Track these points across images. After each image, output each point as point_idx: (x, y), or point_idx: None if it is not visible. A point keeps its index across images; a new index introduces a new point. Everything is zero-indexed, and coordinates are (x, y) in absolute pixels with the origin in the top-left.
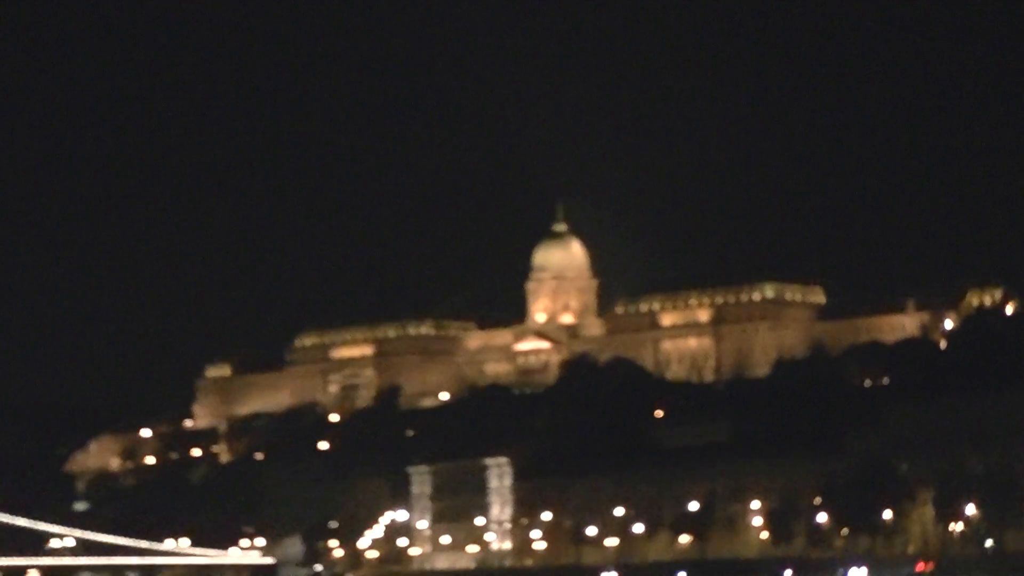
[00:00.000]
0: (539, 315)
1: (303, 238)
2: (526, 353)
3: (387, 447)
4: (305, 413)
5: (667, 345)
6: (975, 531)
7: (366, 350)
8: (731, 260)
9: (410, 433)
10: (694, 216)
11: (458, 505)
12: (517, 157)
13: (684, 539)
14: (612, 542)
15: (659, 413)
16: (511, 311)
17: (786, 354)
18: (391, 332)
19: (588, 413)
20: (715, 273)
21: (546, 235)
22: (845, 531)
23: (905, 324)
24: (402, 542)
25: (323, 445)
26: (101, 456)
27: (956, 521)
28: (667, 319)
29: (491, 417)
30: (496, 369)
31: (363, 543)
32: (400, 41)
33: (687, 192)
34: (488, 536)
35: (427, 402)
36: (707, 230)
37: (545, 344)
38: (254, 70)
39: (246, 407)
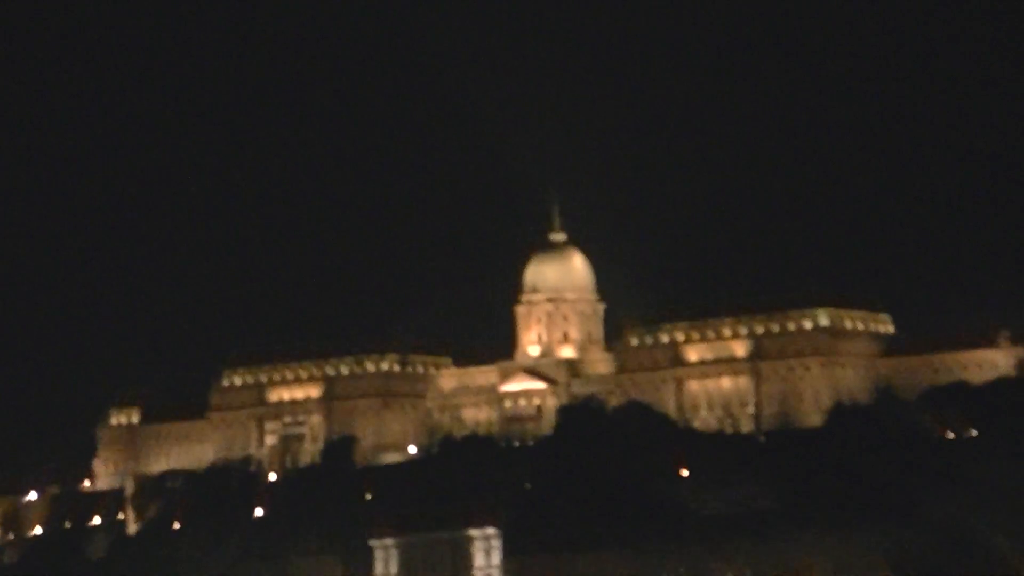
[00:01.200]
0: (531, 347)
1: (233, 249)
2: (515, 395)
3: (341, 514)
4: (234, 471)
5: (694, 386)
6: None
7: (312, 391)
8: (774, 279)
9: (369, 496)
10: (725, 224)
11: None
12: (502, 150)
13: None
14: None
15: (684, 472)
16: (495, 343)
17: (845, 398)
18: (344, 368)
19: (594, 471)
20: (754, 296)
21: (539, 246)
22: None
23: (996, 361)
24: None
25: (257, 511)
26: None
27: None
28: (693, 353)
29: (473, 476)
30: (477, 415)
31: None
32: (367, 25)
33: (717, 192)
34: None
35: (390, 457)
36: (743, 242)
37: (539, 384)
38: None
39: (159, 463)
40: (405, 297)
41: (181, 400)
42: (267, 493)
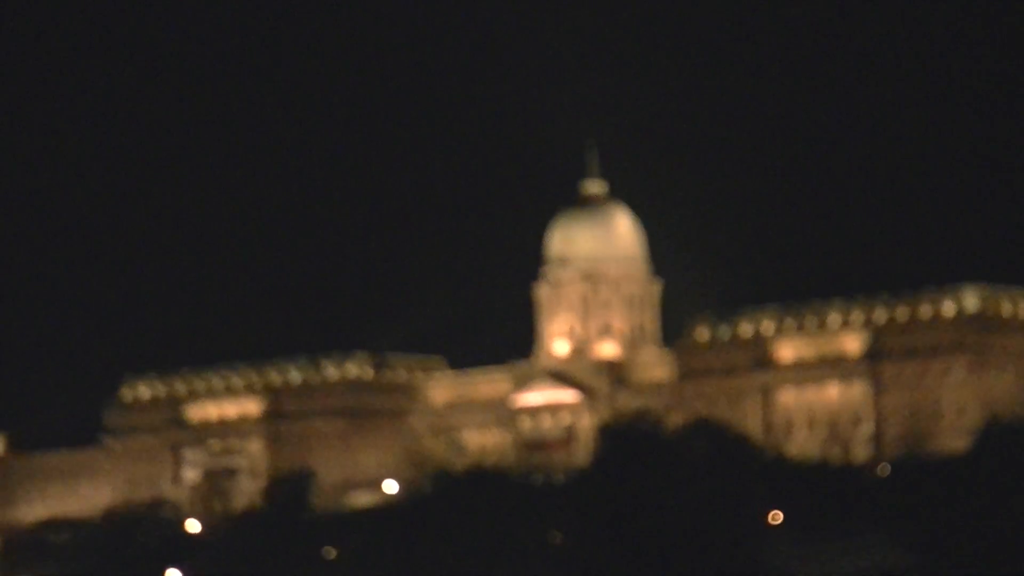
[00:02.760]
0: (558, 344)
1: (135, 218)
2: (536, 411)
3: None
4: (141, 519)
5: (787, 397)
6: None
7: (250, 407)
8: (900, 250)
9: (332, 554)
10: (828, 174)
11: None
12: (512, 73)
13: None
14: None
15: (776, 518)
16: (508, 338)
17: (1001, 412)
18: (294, 376)
19: (647, 518)
20: (872, 272)
21: (569, 201)
22: None
23: None
24: None
25: (172, 573)
26: None
27: None
28: (787, 351)
29: (478, 525)
30: (483, 440)
31: None
32: None
33: (817, 130)
34: None
35: (361, 499)
36: (853, 199)
37: (569, 395)
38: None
39: (35, 509)
40: (381, 278)
41: (66, 422)
42: (187, 550)
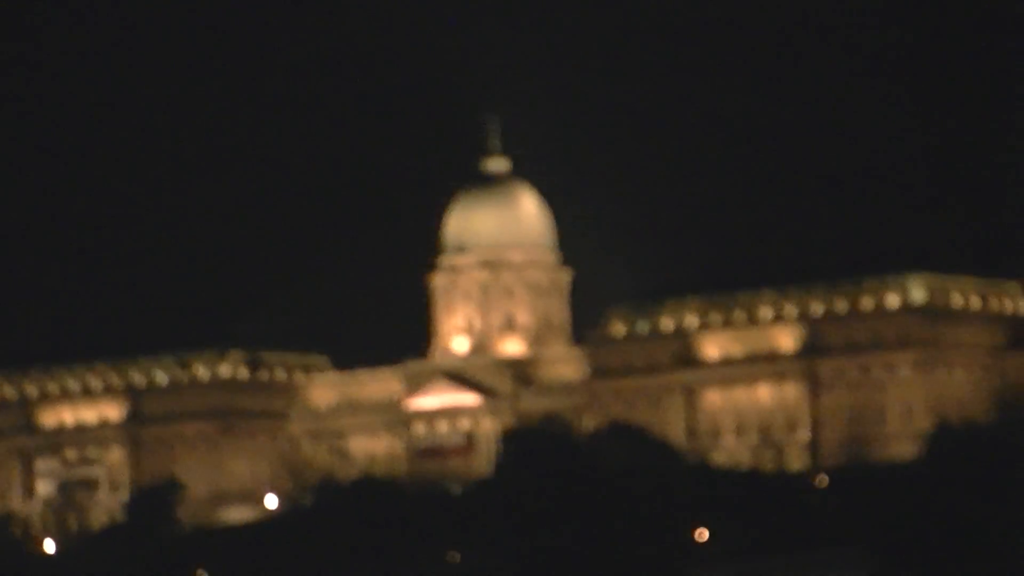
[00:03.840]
0: (456, 340)
1: None
2: (431, 415)
3: None
4: None
5: (714, 398)
6: None
7: (109, 410)
8: (838, 234)
9: (200, 574)
10: (756, 149)
11: None
12: (401, 35)
13: None
14: None
15: (701, 535)
16: (399, 334)
17: (952, 415)
18: (159, 375)
19: (557, 533)
20: (807, 262)
21: (468, 179)
22: None
23: None
24: None
25: None
26: None
27: None
28: (713, 346)
29: (365, 543)
30: (371, 447)
31: None
32: None
33: (741, 102)
34: None
35: (234, 513)
36: (784, 178)
37: (469, 397)
38: None
39: None
40: (257, 267)
41: None
42: (40, 571)
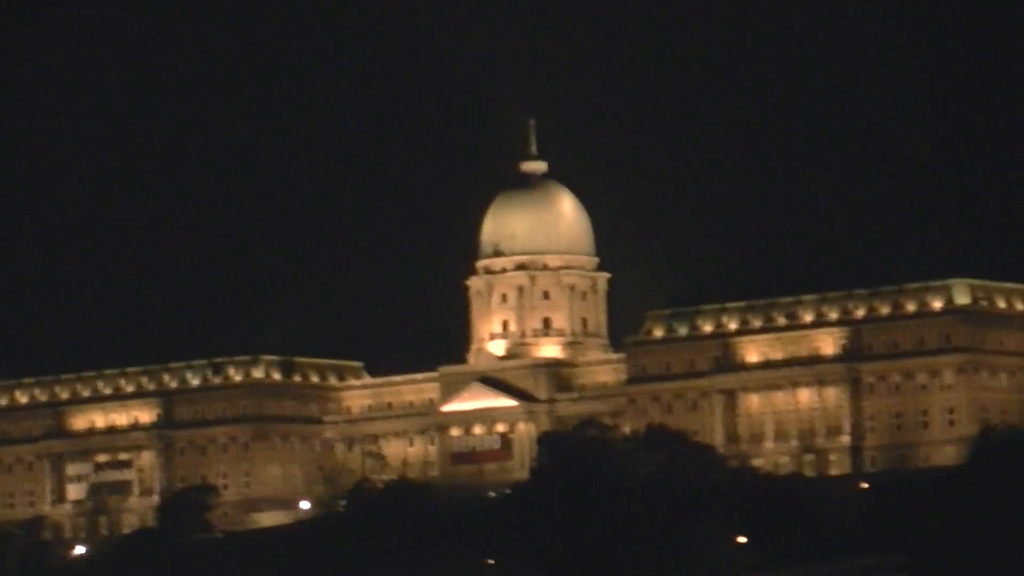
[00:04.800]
0: (493, 344)
1: (14, 213)
2: (467, 419)
3: None
4: (16, 541)
5: (753, 402)
6: None
7: (141, 414)
8: (881, 240)
9: None
10: (802, 157)
11: None
12: (442, 42)
13: None
14: None
15: (741, 539)
16: (435, 338)
17: (996, 420)
18: (192, 378)
19: (596, 538)
20: (849, 266)
21: (505, 182)
22: None
23: None
24: None
25: None
26: None
27: None
28: (753, 351)
29: (401, 548)
30: (407, 452)
31: None
32: None
33: (787, 117)
34: None
35: (268, 518)
36: (829, 184)
37: (506, 401)
38: None
39: None
40: (290, 272)
41: None
42: (70, 575)
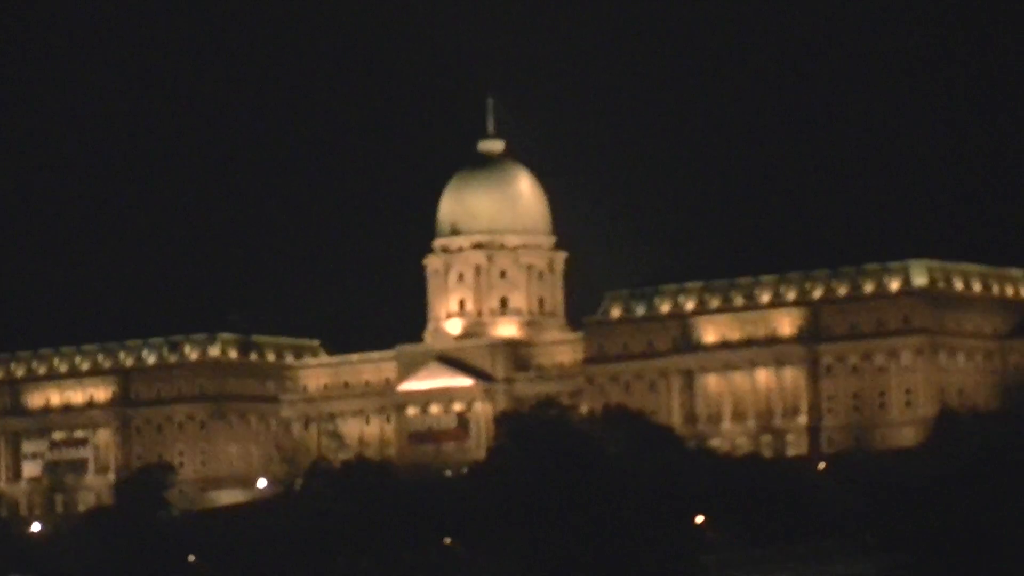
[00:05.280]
0: (450, 323)
1: None
2: (424, 398)
3: None
4: None
5: (713, 383)
6: None
7: (97, 392)
8: (838, 219)
9: (192, 558)
10: (760, 140)
11: None
12: (397, 14)
13: None
14: None
15: (698, 519)
16: (392, 317)
17: (954, 402)
18: (148, 356)
19: (552, 520)
20: (807, 246)
21: (463, 161)
22: None
23: None
24: None
25: None
26: None
27: None
28: (711, 330)
29: (357, 528)
30: (364, 431)
31: None
32: None
33: (745, 94)
34: None
35: (225, 496)
36: (784, 163)
37: (463, 380)
38: None
39: None
40: (248, 249)
41: None
42: (26, 554)
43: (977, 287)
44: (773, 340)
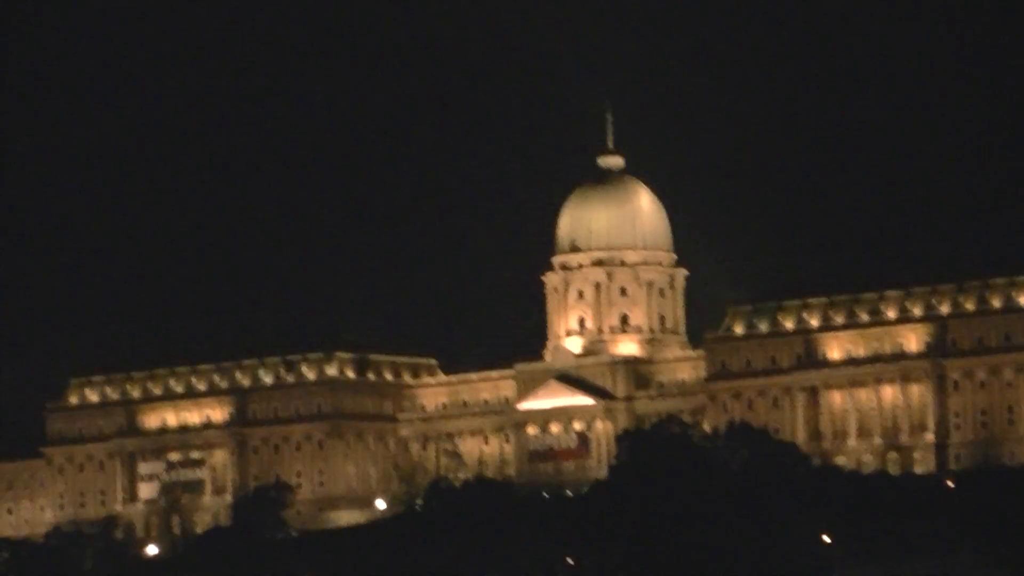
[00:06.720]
0: (570, 340)
1: (84, 210)
2: (544, 416)
3: None
4: (89, 540)
5: (837, 399)
6: None
7: (213, 412)
8: (965, 234)
9: None
10: (885, 153)
11: None
12: (517, 35)
13: None
14: None
15: (825, 539)
16: (511, 335)
17: None
18: (264, 376)
19: (676, 537)
20: (934, 260)
21: (582, 177)
22: None
23: None
24: None
25: None
26: None
27: None
28: (835, 346)
29: (476, 547)
30: (483, 450)
31: None
32: None
33: (871, 107)
34: None
35: (343, 517)
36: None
37: (583, 399)
38: None
39: None
40: (364, 268)
41: (3, 430)
42: (144, 575)
43: None
44: (899, 356)
